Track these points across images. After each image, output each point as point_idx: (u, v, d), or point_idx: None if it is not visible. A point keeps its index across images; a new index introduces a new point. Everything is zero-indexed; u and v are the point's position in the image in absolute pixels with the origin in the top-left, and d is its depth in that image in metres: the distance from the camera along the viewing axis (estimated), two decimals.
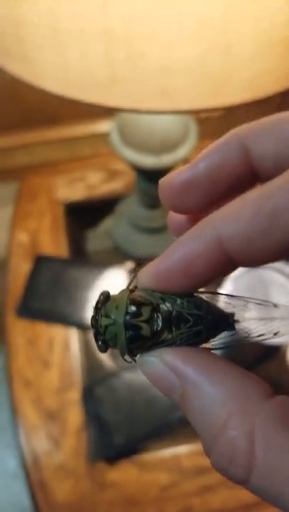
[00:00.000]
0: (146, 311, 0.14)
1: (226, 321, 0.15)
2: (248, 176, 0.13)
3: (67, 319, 0.65)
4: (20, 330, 0.65)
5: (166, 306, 0.14)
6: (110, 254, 0.76)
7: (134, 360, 0.14)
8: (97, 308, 0.15)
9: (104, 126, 0.85)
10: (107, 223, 0.77)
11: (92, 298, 0.67)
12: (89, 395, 0.60)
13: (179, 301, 0.14)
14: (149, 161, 0.46)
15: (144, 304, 0.14)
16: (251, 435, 0.11)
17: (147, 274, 0.14)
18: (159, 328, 0.14)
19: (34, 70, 0.26)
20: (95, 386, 0.61)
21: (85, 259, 0.77)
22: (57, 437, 0.58)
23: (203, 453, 0.48)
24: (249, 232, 0.11)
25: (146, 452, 0.57)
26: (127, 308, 0.14)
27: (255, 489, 0.11)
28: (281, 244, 0.11)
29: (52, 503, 0.54)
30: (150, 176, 0.53)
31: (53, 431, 0.58)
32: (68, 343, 0.64)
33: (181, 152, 0.46)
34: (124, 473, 0.56)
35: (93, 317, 0.15)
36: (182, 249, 0.13)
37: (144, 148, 0.46)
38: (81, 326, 0.66)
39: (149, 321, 0.14)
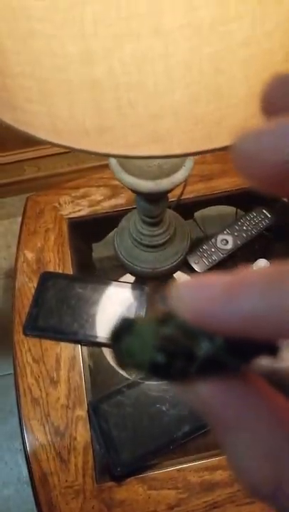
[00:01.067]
0: (178, 363, 0.11)
1: (268, 351, 0.12)
2: None
3: (73, 336, 0.64)
4: (27, 348, 0.64)
5: (202, 349, 0.11)
6: (115, 261, 0.75)
7: None
8: (117, 337, 0.12)
9: None
10: (112, 236, 0.76)
11: (98, 314, 0.66)
12: (95, 412, 0.59)
13: (218, 340, 0.11)
14: (147, 185, 0.45)
15: (176, 353, 0.11)
16: (276, 483, 0.11)
17: (189, 306, 0.11)
18: (190, 374, 0.11)
19: (23, 118, 0.25)
20: (100, 402, 0.60)
21: (90, 275, 0.76)
22: (65, 455, 0.57)
23: (211, 469, 0.46)
24: None
25: (153, 469, 0.56)
26: (154, 357, 0.11)
27: None
28: None
29: None
30: (149, 199, 0.51)
31: (61, 449, 0.57)
32: (75, 360, 0.63)
33: (179, 176, 0.45)
34: (131, 492, 0.54)
35: (112, 343, 0.12)
36: (247, 301, 0.10)
37: (142, 173, 0.45)
38: (87, 342, 0.65)
39: (180, 371, 0.11)
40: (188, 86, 0.21)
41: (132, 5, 0.19)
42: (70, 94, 0.22)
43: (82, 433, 0.58)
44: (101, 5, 0.19)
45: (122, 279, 0.73)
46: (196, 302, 0.11)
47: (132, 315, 0.65)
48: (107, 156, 0.25)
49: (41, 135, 0.25)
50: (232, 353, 0.11)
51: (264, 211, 0.76)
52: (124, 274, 0.75)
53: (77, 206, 0.76)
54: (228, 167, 0.79)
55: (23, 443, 0.58)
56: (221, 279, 0.11)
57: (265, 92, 0.12)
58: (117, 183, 0.78)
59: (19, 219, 0.76)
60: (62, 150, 1.35)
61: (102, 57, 0.20)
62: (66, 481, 0.55)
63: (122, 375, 0.64)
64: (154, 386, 0.61)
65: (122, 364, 0.12)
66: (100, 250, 0.83)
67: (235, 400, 0.11)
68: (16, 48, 0.21)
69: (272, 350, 0.12)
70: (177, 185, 0.48)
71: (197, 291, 0.11)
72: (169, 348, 0.11)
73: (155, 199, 0.52)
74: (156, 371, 0.12)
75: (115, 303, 0.68)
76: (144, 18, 0.19)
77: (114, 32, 0.19)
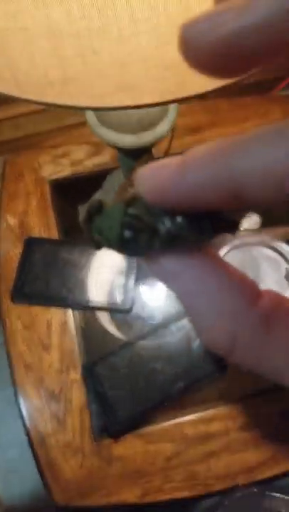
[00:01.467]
0: (143, 237, 0.13)
1: (226, 227, 0.14)
2: None
3: (62, 301, 0.65)
4: (16, 315, 0.65)
5: (164, 226, 0.13)
6: None
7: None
8: (89, 218, 0.14)
9: None
10: (97, 197, 0.74)
11: (87, 278, 0.67)
12: (89, 374, 0.61)
13: (178, 219, 0.13)
14: (127, 139, 0.44)
15: (141, 229, 0.13)
16: (233, 340, 0.13)
17: (149, 185, 0.12)
18: (155, 249, 0.13)
19: None
20: (94, 365, 0.61)
21: (76, 239, 0.75)
22: (61, 417, 0.59)
23: (206, 421, 0.49)
24: (265, 170, 0.11)
25: (150, 424, 0.59)
26: (122, 233, 0.13)
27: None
28: None
29: (61, 480, 0.56)
30: (131, 154, 0.50)
31: (56, 411, 0.59)
32: (66, 325, 0.64)
33: (161, 129, 0.44)
34: (129, 447, 0.57)
35: (85, 223, 0.14)
36: (194, 174, 0.11)
37: (121, 127, 0.44)
38: (77, 307, 0.65)
39: (146, 245, 0.13)
40: (154, 30, 0.20)
41: None
42: (29, 43, 0.21)
43: (78, 395, 0.60)
44: None
45: None
46: (153, 181, 0.12)
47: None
48: (74, 108, 0.24)
49: (3, 89, 0.24)
50: (192, 229, 0.13)
51: None
52: None
53: (58, 166, 0.75)
54: (217, 117, 0.77)
55: (19, 407, 0.60)
56: (174, 159, 0.12)
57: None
58: (98, 140, 0.77)
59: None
60: (42, 107, 1.30)
61: (56, 0, 0.19)
62: (64, 441, 0.57)
63: (114, 337, 0.66)
64: (147, 345, 0.63)
65: (95, 243, 0.14)
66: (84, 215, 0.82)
67: (196, 270, 0.13)
68: None
69: (230, 226, 0.13)
70: (161, 138, 0.47)
71: (155, 172, 0.12)
72: (134, 225, 0.13)
73: (138, 154, 0.50)
74: (124, 247, 0.13)
75: (103, 265, 0.68)
76: None
77: None
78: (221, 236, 0.14)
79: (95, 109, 0.24)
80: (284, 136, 0.10)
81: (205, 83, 0.24)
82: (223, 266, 0.13)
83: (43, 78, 0.22)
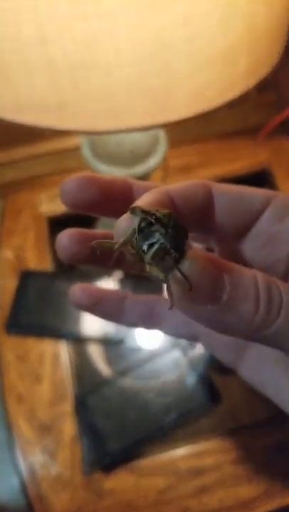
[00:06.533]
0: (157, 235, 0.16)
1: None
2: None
3: (56, 332, 0.67)
4: (10, 346, 0.67)
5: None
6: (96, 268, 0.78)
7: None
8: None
9: None
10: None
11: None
12: (81, 405, 0.61)
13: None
14: (120, 172, 0.48)
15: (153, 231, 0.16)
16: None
17: (147, 203, 0.17)
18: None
19: None
20: (87, 395, 0.62)
21: (71, 271, 0.78)
22: (52, 450, 0.59)
23: (199, 454, 0.50)
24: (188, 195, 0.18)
25: (141, 458, 0.59)
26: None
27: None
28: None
29: None
30: None
31: (47, 444, 0.59)
32: (58, 356, 0.66)
33: (152, 162, 0.48)
34: (120, 481, 0.57)
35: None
36: (153, 195, 0.17)
37: (114, 161, 0.48)
38: (71, 338, 0.67)
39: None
40: (136, 62, 0.25)
41: None
42: (30, 74, 0.25)
43: (69, 427, 0.61)
44: None
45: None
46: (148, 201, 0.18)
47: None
48: (68, 131, 0.28)
49: (6, 115, 0.28)
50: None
51: None
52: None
53: (56, 204, 0.79)
54: (206, 159, 0.83)
55: (11, 440, 0.60)
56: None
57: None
58: None
59: None
60: (42, 151, 1.36)
61: (55, 39, 0.23)
62: (55, 473, 0.57)
63: (107, 368, 0.67)
64: (139, 376, 0.64)
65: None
66: None
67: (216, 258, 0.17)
68: None
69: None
70: (152, 171, 0.51)
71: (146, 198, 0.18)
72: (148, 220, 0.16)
73: None
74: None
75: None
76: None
77: (64, 15, 0.22)
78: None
79: (88, 133, 0.28)
80: None
81: (179, 110, 0.28)
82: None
83: (42, 105, 0.27)
